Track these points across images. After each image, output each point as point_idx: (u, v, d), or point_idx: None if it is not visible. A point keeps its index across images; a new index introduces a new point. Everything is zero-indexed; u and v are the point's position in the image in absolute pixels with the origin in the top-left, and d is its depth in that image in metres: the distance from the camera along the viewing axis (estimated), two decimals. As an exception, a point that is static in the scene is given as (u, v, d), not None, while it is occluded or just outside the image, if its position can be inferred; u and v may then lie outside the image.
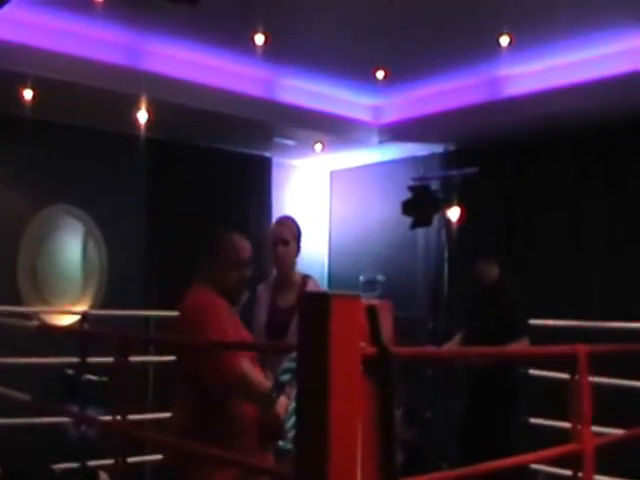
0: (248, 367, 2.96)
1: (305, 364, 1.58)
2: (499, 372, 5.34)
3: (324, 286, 8.87)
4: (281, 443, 2.20)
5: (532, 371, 5.94)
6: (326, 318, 1.50)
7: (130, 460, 2.82)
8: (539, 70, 7.01)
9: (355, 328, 1.59)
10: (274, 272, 4.57)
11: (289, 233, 4.37)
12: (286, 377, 2.29)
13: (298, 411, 1.61)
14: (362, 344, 1.73)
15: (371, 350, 1.79)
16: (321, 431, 1.49)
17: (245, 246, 3.49)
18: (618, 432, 3.70)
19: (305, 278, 4.41)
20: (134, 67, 6.57)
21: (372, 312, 1.86)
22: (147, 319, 7.08)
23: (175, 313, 6.37)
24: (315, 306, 1.54)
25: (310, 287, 4.30)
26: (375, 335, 1.83)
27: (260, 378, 2.97)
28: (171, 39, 6.54)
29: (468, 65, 7.09)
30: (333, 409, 1.49)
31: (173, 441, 3.02)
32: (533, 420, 6.46)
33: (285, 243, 4.32)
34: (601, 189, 7.37)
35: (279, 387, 2.31)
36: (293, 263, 4.39)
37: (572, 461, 2.50)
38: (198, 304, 3.33)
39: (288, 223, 4.46)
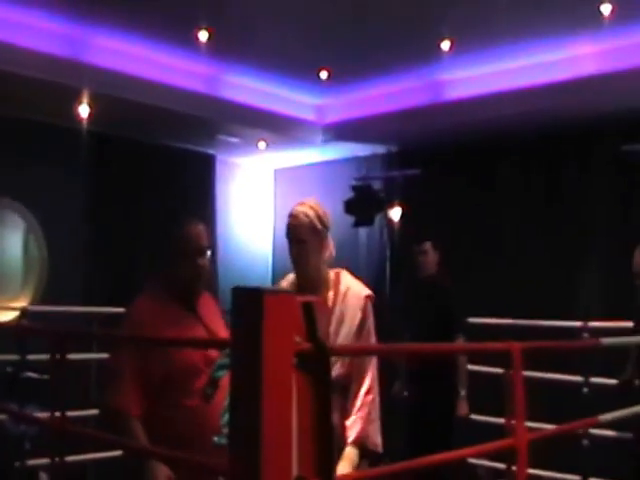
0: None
1: (238, 360, 1.55)
2: (441, 369, 5.37)
3: (269, 282, 8.83)
4: (216, 438, 2.17)
5: (471, 367, 5.97)
6: (259, 314, 1.47)
7: (71, 459, 2.76)
8: (479, 75, 7.09)
9: (288, 324, 1.56)
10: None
11: (305, 229, 3.30)
12: (221, 373, 2.26)
13: (231, 406, 1.58)
14: (298, 340, 1.71)
15: (307, 346, 1.78)
16: (254, 426, 1.46)
17: (200, 232, 3.26)
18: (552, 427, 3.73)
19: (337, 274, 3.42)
20: (77, 59, 6.43)
21: (308, 308, 1.85)
22: (89, 315, 6.98)
23: (116, 309, 6.31)
24: (248, 302, 1.51)
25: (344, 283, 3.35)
26: (311, 331, 1.82)
27: None
28: (115, 33, 6.43)
29: (410, 68, 7.12)
30: (266, 404, 1.47)
31: (112, 438, 2.96)
32: (474, 417, 6.53)
33: (300, 242, 3.32)
34: (541, 191, 7.48)
35: (214, 383, 2.28)
36: (318, 262, 3.34)
37: (508, 455, 2.52)
38: (126, 311, 3.25)
39: (301, 216, 3.30)
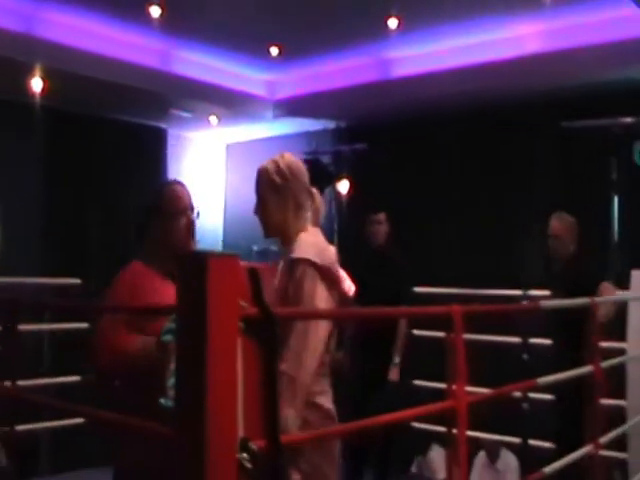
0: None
1: (183, 324, 1.54)
2: (384, 336, 5.40)
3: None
4: (162, 400, 2.16)
5: (416, 332, 6.01)
6: (203, 277, 1.46)
7: (24, 428, 2.73)
8: (426, 53, 7.12)
9: (233, 288, 1.55)
10: None
11: (262, 185, 3.06)
12: (168, 337, 2.25)
13: (178, 370, 1.58)
14: (244, 304, 1.71)
15: (253, 311, 1.78)
16: (199, 390, 1.46)
17: (183, 194, 3.02)
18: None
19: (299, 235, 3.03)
20: (29, 34, 6.31)
21: (253, 274, 1.85)
22: (42, 287, 6.89)
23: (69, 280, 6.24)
24: (192, 266, 1.50)
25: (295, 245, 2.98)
26: (256, 296, 1.82)
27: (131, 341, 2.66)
28: (68, 7, 6.30)
29: (359, 45, 7.12)
30: (211, 368, 1.46)
31: (67, 406, 2.94)
32: (418, 382, 6.60)
33: (258, 199, 3.07)
34: (484, 165, 7.55)
35: (161, 347, 2.27)
36: (281, 220, 3.02)
37: (449, 418, 2.55)
38: (118, 277, 2.93)
39: (261, 172, 3.06)
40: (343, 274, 3.04)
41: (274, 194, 3.01)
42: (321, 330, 2.76)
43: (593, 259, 5.96)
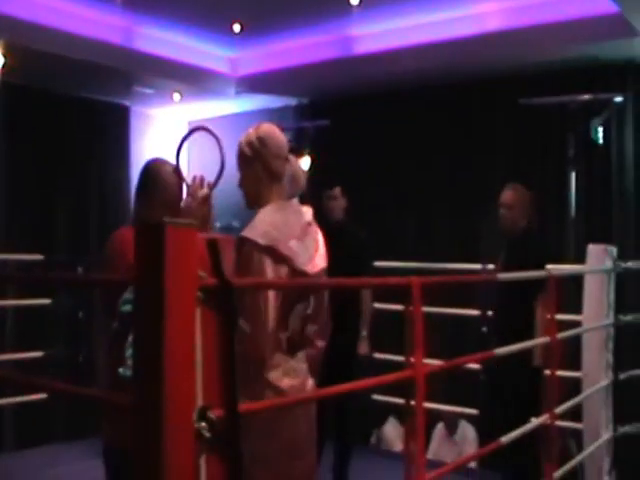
0: None
1: (141, 293, 1.51)
2: (345, 309, 5.35)
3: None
4: (121, 370, 2.14)
5: (378, 305, 6.02)
6: (160, 246, 1.43)
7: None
8: (387, 30, 7.09)
9: (191, 257, 1.52)
10: None
11: (238, 159, 3.04)
12: (126, 308, 2.22)
13: (135, 340, 1.55)
14: (202, 274, 1.69)
15: (212, 281, 1.76)
16: (156, 359, 1.44)
17: (174, 181, 2.96)
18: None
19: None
20: (-12, 9, 6.18)
21: (212, 245, 1.83)
22: (6, 262, 6.80)
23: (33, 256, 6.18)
24: (149, 235, 1.47)
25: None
26: (215, 266, 1.80)
27: None
28: (28, -17, 6.19)
29: (321, 22, 7.07)
30: (169, 337, 1.44)
31: (31, 381, 2.89)
32: (379, 355, 6.62)
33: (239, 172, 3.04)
34: (445, 141, 7.57)
35: (121, 318, 2.24)
36: (254, 192, 3.00)
37: (407, 389, 2.55)
38: (109, 239, 2.88)
39: (237, 146, 3.03)
40: (303, 248, 2.93)
41: (246, 166, 3.00)
42: (271, 308, 2.70)
43: (545, 237, 5.98)
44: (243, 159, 3.00)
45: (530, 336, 4.56)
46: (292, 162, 3.05)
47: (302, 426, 2.84)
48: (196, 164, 9.12)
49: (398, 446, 6.91)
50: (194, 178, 2.92)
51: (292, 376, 2.82)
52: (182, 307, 1.47)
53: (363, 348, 5.43)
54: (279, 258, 2.77)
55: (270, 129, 3.04)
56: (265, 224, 2.83)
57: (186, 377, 1.51)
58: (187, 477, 1.46)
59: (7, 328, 6.97)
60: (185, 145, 2.99)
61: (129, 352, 2.14)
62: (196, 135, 3.06)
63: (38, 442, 6.57)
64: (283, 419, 2.74)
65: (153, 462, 1.42)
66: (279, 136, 3.04)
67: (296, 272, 2.79)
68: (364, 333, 5.45)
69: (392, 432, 7.16)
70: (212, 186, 2.88)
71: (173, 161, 3.04)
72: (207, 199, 2.88)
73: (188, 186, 2.93)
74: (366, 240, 5.62)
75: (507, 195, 5.21)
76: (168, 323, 1.43)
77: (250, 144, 2.97)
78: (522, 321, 4.74)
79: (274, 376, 2.76)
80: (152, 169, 3.02)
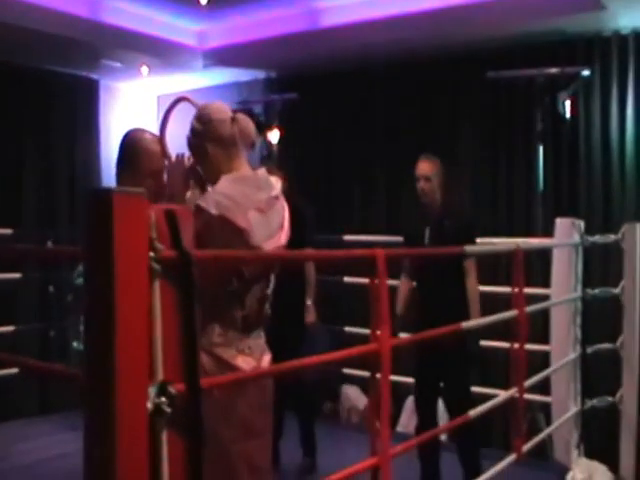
0: None
1: (90, 265, 1.43)
2: (294, 281, 5.25)
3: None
4: (75, 344, 2.07)
5: (347, 279, 5.97)
6: (108, 214, 1.34)
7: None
8: (355, 2, 7.00)
9: (141, 226, 1.44)
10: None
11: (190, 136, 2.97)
12: (81, 280, 2.15)
13: (86, 312, 1.48)
14: (160, 246, 1.62)
15: (171, 253, 1.69)
16: (107, 332, 1.36)
17: (158, 151, 2.90)
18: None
19: None
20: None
21: (171, 217, 1.76)
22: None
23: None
24: (97, 203, 1.38)
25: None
26: (174, 238, 1.73)
27: None
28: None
29: (289, -5, 6.96)
30: (119, 310, 1.36)
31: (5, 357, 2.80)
32: (348, 329, 6.59)
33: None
34: (410, 115, 7.51)
35: (75, 291, 2.17)
36: (208, 166, 2.90)
37: (372, 363, 2.49)
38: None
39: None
40: (265, 222, 2.80)
41: (197, 140, 2.88)
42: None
43: (461, 209, 5.89)
44: (194, 134, 2.88)
45: (465, 304, 4.54)
46: (239, 120, 2.89)
47: (256, 405, 2.75)
48: (165, 138, 9.05)
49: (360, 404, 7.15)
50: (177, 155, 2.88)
51: (246, 353, 2.71)
52: (133, 278, 1.40)
53: (310, 317, 5.40)
54: (233, 230, 2.63)
55: (206, 104, 2.93)
56: (219, 194, 2.68)
57: (140, 351, 1.43)
58: (141, 455, 1.39)
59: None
60: (155, 118, 2.94)
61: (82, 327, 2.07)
62: (164, 109, 3.00)
63: (10, 417, 6.49)
64: (237, 397, 2.66)
65: (105, 437, 1.35)
66: (218, 104, 2.94)
67: (251, 248, 2.64)
68: (308, 302, 5.41)
69: (352, 395, 7.29)
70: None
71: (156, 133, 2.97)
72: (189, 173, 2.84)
73: (170, 157, 2.87)
74: (312, 213, 5.49)
75: (424, 166, 4.83)
76: (118, 295, 1.35)
77: (200, 118, 2.87)
78: (455, 290, 4.65)
79: (228, 355, 2.66)
80: (134, 139, 2.96)
